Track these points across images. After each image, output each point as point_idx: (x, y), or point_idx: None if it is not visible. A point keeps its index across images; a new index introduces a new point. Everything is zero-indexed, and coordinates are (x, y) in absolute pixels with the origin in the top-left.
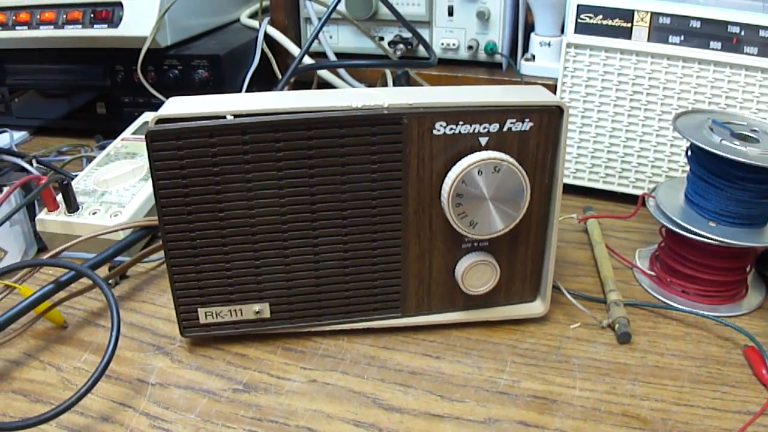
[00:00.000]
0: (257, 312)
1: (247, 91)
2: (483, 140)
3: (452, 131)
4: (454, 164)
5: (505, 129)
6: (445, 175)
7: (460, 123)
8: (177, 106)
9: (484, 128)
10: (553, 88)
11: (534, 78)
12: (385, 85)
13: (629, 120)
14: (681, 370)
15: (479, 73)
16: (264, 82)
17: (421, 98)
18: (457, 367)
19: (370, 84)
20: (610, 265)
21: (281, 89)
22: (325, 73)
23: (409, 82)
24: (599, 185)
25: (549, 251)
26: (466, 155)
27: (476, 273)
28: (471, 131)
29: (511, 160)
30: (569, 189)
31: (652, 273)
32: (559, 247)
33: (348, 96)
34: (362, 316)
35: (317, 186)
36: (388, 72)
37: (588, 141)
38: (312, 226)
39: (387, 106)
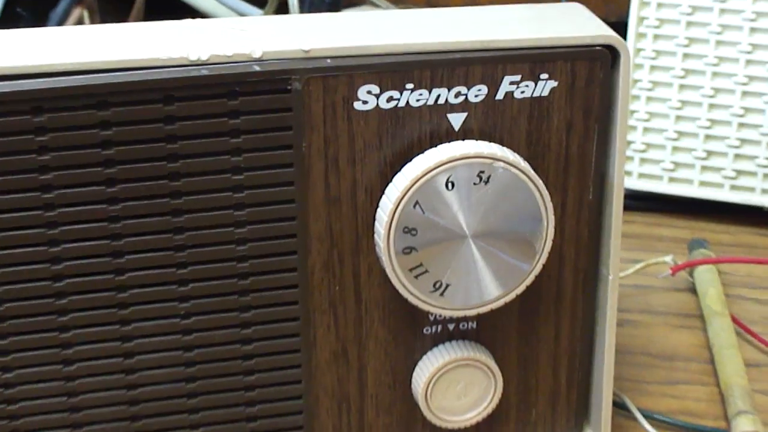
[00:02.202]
0: None
1: (2, 21)
2: (456, 120)
3: (393, 103)
4: (400, 170)
5: (500, 95)
6: (382, 193)
7: (409, 86)
8: None
9: (459, 95)
10: (623, 5)
11: None
12: (284, 5)
13: None
14: None
15: None
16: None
17: (331, 38)
18: None
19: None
20: (740, 360)
21: (63, 19)
22: None
23: None
24: (723, 194)
25: (604, 337)
26: (423, 151)
27: (453, 385)
28: (432, 102)
29: (514, 157)
30: (658, 202)
31: None
32: (633, 323)
33: (184, 36)
34: None
35: (126, 220)
36: None
37: (698, 106)
38: (119, 302)
39: (260, 57)
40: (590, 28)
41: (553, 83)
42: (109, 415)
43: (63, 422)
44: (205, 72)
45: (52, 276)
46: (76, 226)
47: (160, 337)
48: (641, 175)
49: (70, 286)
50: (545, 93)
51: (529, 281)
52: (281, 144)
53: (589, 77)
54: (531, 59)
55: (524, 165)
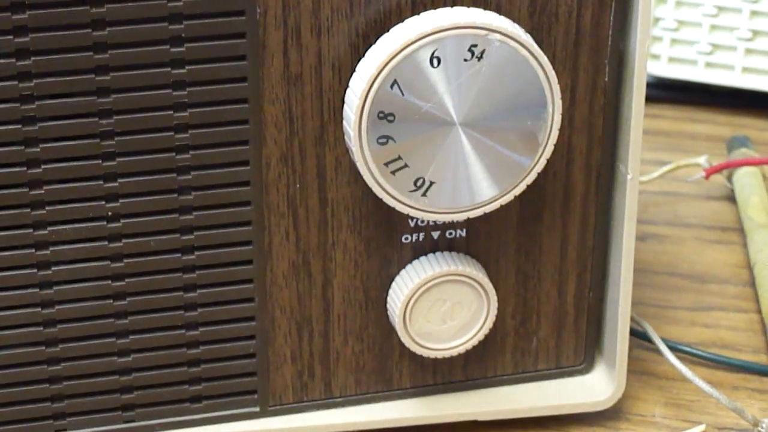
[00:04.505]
0: None
1: None
2: None
3: None
4: (374, 42)
5: None
6: (353, 70)
7: None
8: None
9: None
10: None
11: None
12: None
13: None
14: None
15: None
16: None
17: None
18: None
19: None
20: None
21: None
22: None
23: None
24: None
25: (621, 249)
26: (402, 20)
27: (438, 305)
28: None
29: (513, 28)
30: (691, 93)
31: None
32: (659, 237)
33: None
34: (163, 417)
35: (43, 123)
36: None
37: None
38: (31, 201)
39: None
40: None
41: None
42: (18, 339)
43: None
44: None
45: None
46: None
47: (80, 243)
48: (672, 60)
49: None
50: None
51: (530, 180)
52: (230, 9)
53: None
54: None
55: (525, 38)
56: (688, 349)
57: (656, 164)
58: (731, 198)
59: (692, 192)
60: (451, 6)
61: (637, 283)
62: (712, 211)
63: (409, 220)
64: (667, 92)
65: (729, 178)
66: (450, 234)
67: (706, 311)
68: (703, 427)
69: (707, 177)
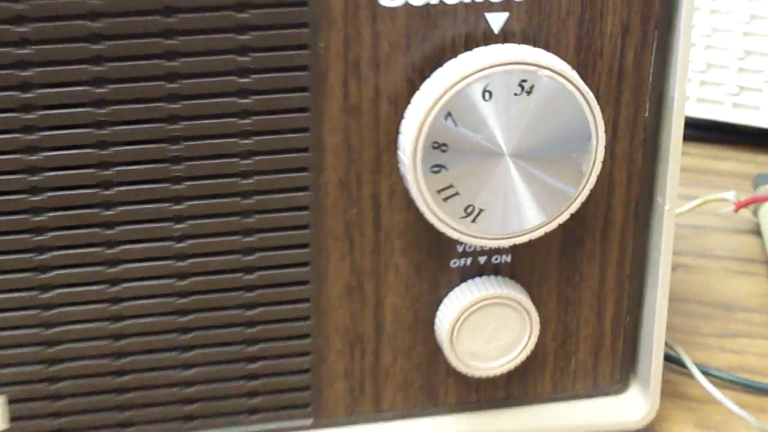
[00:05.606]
0: None
1: None
2: (496, 20)
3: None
4: (429, 77)
5: None
6: (408, 102)
7: None
8: None
9: None
10: None
11: None
12: None
13: None
14: None
15: None
16: None
17: None
18: None
19: None
20: None
21: None
22: None
23: None
24: None
25: (657, 276)
26: (457, 55)
27: (483, 327)
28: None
29: (561, 65)
30: (719, 132)
31: None
32: (688, 268)
33: None
34: (222, 428)
35: (115, 126)
36: None
37: None
38: (104, 220)
39: None
40: None
41: None
42: (90, 351)
43: (38, 357)
44: None
45: (33, 227)
46: (70, 149)
47: (149, 262)
48: (700, 100)
49: (55, 239)
50: None
51: (574, 208)
52: (295, 43)
53: None
54: None
55: (572, 74)
56: (717, 373)
57: (686, 199)
58: (757, 231)
59: (720, 225)
60: (502, 43)
61: (667, 311)
62: (739, 244)
63: (457, 246)
64: (696, 131)
65: (755, 213)
66: (496, 259)
67: (733, 338)
68: None
69: (737, 210)
